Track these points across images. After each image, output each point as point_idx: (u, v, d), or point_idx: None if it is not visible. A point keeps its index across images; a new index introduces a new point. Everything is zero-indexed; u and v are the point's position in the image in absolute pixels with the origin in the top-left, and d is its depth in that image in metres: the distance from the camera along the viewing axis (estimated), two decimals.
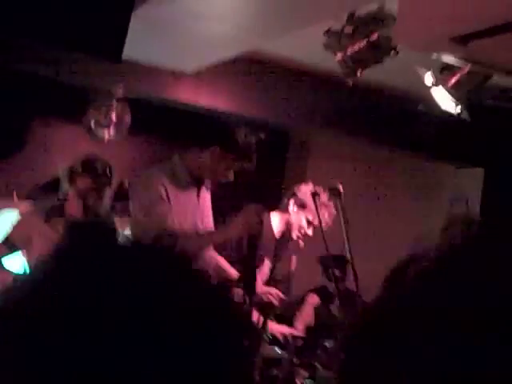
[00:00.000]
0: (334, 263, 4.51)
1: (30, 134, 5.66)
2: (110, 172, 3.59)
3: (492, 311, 0.67)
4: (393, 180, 6.32)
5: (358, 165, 6.14)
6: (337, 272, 4.59)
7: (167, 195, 3.35)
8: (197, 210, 3.58)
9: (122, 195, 5.71)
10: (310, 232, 3.71)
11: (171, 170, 3.47)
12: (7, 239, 3.52)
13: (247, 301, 3.03)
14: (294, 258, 3.89)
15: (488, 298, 0.67)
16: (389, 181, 6.27)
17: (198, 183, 3.51)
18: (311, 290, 4.58)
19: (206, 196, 3.60)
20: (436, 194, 6.48)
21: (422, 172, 6.48)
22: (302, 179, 4.57)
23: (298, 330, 3.75)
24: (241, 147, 3.27)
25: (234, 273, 3.75)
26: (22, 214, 3.60)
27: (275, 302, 3.66)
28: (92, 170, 3.50)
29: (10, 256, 3.52)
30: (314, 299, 3.81)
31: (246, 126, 3.41)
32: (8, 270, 3.48)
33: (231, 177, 3.38)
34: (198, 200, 3.54)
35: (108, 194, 3.71)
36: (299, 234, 3.74)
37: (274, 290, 3.68)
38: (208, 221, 3.62)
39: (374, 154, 6.12)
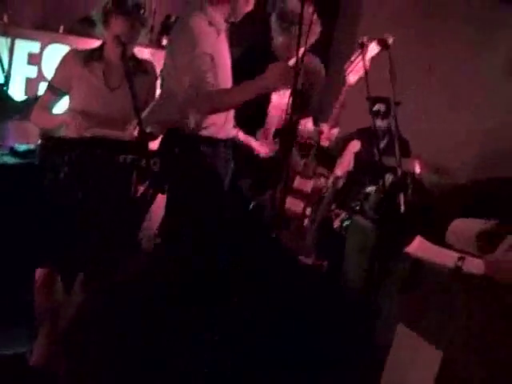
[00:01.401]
0: (380, 101, 4.65)
1: None
2: (144, 9, 3.51)
3: None
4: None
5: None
6: (382, 107, 4.73)
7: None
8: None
9: (169, 29, 5.77)
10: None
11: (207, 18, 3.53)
12: (51, 85, 3.59)
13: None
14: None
15: None
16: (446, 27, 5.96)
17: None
18: (355, 132, 4.72)
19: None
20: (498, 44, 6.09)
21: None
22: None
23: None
24: None
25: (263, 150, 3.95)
26: (63, 58, 3.62)
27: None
28: (125, 8, 3.41)
29: (58, 101, 3.62)
30: (354, 146, 3.95)
31: None
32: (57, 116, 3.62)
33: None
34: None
35: (143, 33, 3.66)
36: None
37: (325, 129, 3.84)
38: None
39: None
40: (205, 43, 3.47)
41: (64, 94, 3.60)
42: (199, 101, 3.45)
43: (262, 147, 4.09)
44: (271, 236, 3.10)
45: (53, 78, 3.62)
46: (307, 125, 4.08)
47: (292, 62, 3.70)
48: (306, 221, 3.76)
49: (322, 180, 3.92)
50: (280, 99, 4.00)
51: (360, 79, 3.59)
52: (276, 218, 3.27)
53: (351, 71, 3.61)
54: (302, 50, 3.11)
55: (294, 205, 3.69)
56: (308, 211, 3.76)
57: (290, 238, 3.67)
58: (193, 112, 3.49)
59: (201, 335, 2.97)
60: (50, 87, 3.60)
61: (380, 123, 4.72)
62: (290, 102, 3.07)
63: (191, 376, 2.84)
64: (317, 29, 3.82)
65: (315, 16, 3.57)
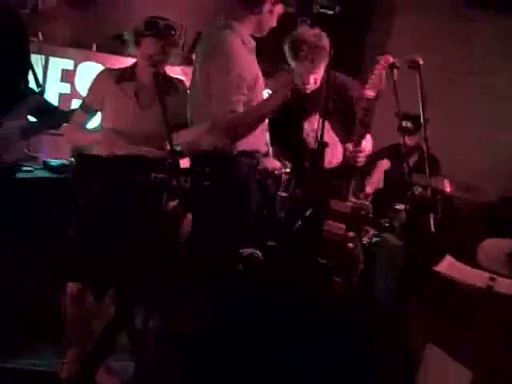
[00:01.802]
0: (408, 118, 4.63)
1: None
2: (175, 31, 3.52)
3: None
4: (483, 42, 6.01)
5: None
6: (409, 124, 4.72)
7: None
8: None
9: None
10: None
11: (238, 35, 3.50)
12: (84, 103, 3.62)
13: None
14: None
15: None
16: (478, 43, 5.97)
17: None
18: (384, 149, 4.73)
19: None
20: None
21: None
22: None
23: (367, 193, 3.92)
24: None
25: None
26: (96, 77, 3.66)
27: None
28: (156, 30, 3.44)
29: (90, 119, 3.65)
30: (384, 164, 3.95)
31: None
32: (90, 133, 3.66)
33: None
34: None
35: (174, 53, 3.68)
36: None
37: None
38: None
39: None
40: (241, 65, 3.43)
41: (96, 112, 3.65)
42: (223, 131, 3.45)
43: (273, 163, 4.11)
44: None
45: (86, 97, 3.68)
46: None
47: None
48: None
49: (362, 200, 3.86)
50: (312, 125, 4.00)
51: (379, 93, 3.59)
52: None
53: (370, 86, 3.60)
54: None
55: (334, 227, 3.64)
56: (351, 234, 3.68)
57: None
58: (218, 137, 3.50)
59: None
60: (83, 105, 3.65)
61: (408, 140, 4.72)
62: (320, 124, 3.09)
63: None
64: (326, 52, 3.82)
65: (326, 41, 3.63)
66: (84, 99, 3.69)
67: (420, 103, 3.34)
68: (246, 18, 3.54)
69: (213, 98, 3.46)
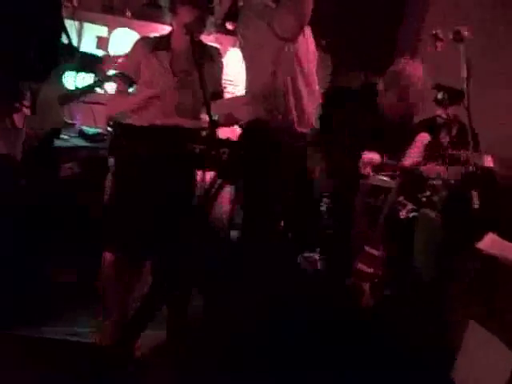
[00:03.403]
0: (446, 90, 4.54)
1: None
2: None
3: None
4: None
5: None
6: (445, 96, 4.63)
7: None
8: None
9: (234, 15, 5.74)
10: None
11: None
12: (121, 72, 3.58)
13: None
14: None
15: None
16: None
17: None
18: (422, 122, 4.64)
19: None
20: None
21: None
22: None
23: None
24: None
25: None
26: (132, 46, 3.61)
27: None
28: None
29: (129, 88, 3.60)
30: (423, 137, 3.87)
31: None
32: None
33: None
34: None
35: (210, 22, 3.61)
36: None
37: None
38: None
39: None
40: None
41: (134, 81, 3.61)
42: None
43: None
44: None
45: (122, 65, 3.64)
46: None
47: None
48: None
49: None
50: None
51: None
52: None
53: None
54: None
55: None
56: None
57: None
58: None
59: None
60: (121, 74, 3.62)
61: (442, 112, 4.63)
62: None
63: None
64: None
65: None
66: (121, 68, 3.65)
67: (464, 76, 3.25)
68: None
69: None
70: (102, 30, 5.22)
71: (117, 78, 3.64)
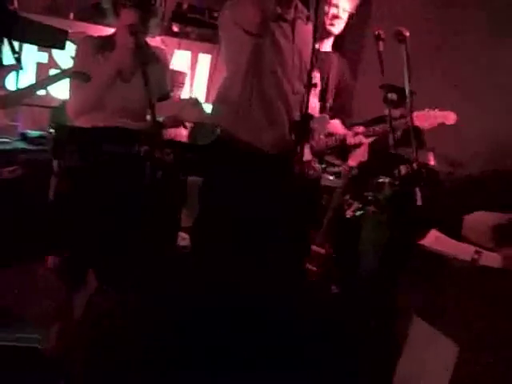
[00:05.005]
0: (394, 90, 4.59)
1: None
2: (155, 1, 3.44)
3: None
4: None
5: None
6: (394, 96, 4.68)
7: None
8: None
9: (180, 17, 5.72)
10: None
11: None
12: (75, 73, 3.44)
13: None
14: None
15: None
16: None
17: None
18: (368, 122, 4.68)
19: None
20: None
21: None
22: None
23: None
24: None
25: None
26: (79, 46, 3.55)
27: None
28: (136, 0, 3.36)
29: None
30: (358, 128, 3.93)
31: None
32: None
33: None
34: None
35: (154, 23, 3.59)
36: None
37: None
38: None
39: None
40: None
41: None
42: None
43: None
44: None
45: (75, 67, 3.56)
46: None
47: None
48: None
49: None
50: None
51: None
52: None
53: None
54: None
55: None
56: None
57: None
58: None
59: None
60: (75, 75, 3.53)
61: (392, 113, 4.68)
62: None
63: None
64: None
65: None
66: (74, 69, 3.57)
67: (406, 76, 3.29)
68: None
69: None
70: None
71: (73, 80, 3.55)
